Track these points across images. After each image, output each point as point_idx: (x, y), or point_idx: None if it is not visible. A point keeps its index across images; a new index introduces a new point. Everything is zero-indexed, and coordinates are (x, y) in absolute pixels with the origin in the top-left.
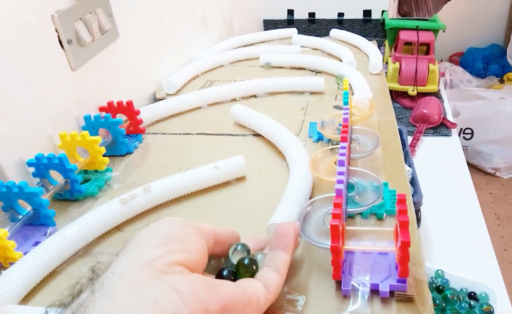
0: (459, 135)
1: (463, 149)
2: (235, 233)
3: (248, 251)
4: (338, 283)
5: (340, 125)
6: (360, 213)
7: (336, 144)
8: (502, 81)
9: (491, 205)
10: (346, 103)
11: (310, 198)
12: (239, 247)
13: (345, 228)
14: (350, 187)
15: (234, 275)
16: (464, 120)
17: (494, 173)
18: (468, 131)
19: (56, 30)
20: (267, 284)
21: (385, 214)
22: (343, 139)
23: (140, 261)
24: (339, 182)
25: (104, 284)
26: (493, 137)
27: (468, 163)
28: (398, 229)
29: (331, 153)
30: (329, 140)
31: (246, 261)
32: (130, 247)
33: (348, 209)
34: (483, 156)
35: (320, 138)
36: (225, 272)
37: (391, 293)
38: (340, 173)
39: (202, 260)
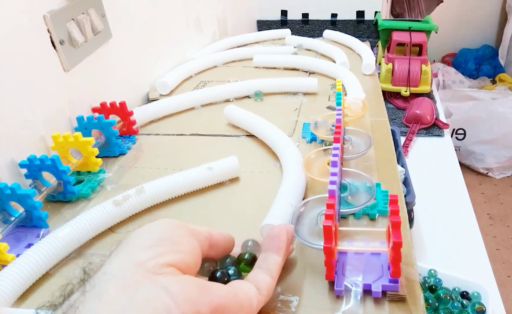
0: (451, 135)
1: (456, 150)
2: (230, 237)
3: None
4: (331, 284)
5: (333, 126)
6: (353, 214)
7: (329, 144)
8: (494, 82)
9: (484, 205)
10: (339, 104)
11: (303, 198)
12: (250, 243)
13: (337, 229)
14: (343, 187)
15: (228, 277)
16: (457, 121)
17: (487, 173)
18: (460, 131)
19: (49, 31)
20: (259, 286)
21: (377, 214)
22: (336, 140)
23: (132, 262)
24: (332, 183)
25: (95, 285)
26: (485, 137)
27: (460, 164)
28: (390, 229)
29: (324, 153)
30: (322, 140)
31: (246, 256)
32: (122, 248)
33: (341, 210)
34: (476, 156)
35: (313, 139)
36: (218, 274)
37: (384, 293)
38: (333, 174)
39: (195, 261)
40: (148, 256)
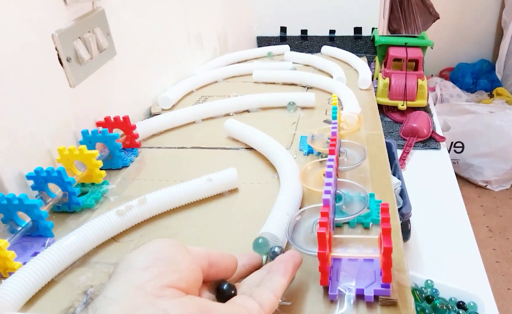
0: (449, 149)
1: (454, 163)
2: (231, 256)
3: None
4: (326, 289)
5: (329, 138)
6: (348, 222)
7: (325, 156)
8: (491, 96)
9: (483, 217)
10: (334, 117)
11: (300, 208)
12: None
13: (332, 236)
14: (337, 197)
15: (235, 290)
16: (455, 134)
17: (485, 186)
18: (459, 144)
19: (56, 49)
20: (263, 303)
21: (371, 223)
22: (331, 152)
23: (131, 285)
24: (327, 192)
25: (97, 309)
26: (483, 150)
27: (459, 176)
28: (381, 236)
29: (320, 165)
30: (319, 153)
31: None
32: (120, 271)
33: (335, 219)
34: (474, 169)
35: (310, 151)
36: (225, 286)
37: (376, 297)
38: (328, 184)
39: (195, 277)
40: (146, 278)
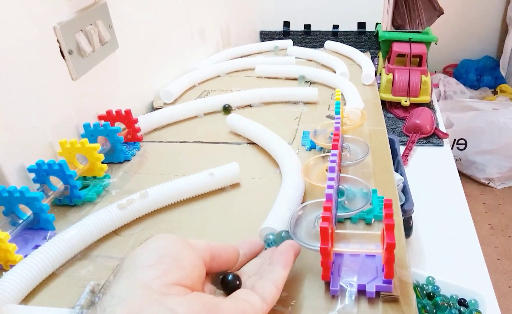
0: (452, 145)
1: (457, 160)
2: (232, 248)
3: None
4: (327, 284)
5: (332, 134)
6: (350, 218)
7: (328, 152)
8: (495, 93)
9: (485, 215)
10: (338, 113)
11: (302, 203)
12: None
13: (334, 231)
14: (340, 193)
15: (239, 280)
16: (458, 131)
17: (488, 183)
18: (461, 141)
19: (58, 41)
20: (265, 296)
21: (373, 219)
22: (334, 147)
23: (137, 283)
24: (329, 187)
25: (106, 308)
26: (486, 147)
27: (462, 174)
28: (384, 232)
29: (323, 160)
30: (322, 148)
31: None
32: (126, 268)
33: (338, 214)
34: (477, 167)
35: (312, 147)
36: (230, 277)
37: (377, 293)
38: (331, 179)
39: (199, 273)
40: (151, 275)
